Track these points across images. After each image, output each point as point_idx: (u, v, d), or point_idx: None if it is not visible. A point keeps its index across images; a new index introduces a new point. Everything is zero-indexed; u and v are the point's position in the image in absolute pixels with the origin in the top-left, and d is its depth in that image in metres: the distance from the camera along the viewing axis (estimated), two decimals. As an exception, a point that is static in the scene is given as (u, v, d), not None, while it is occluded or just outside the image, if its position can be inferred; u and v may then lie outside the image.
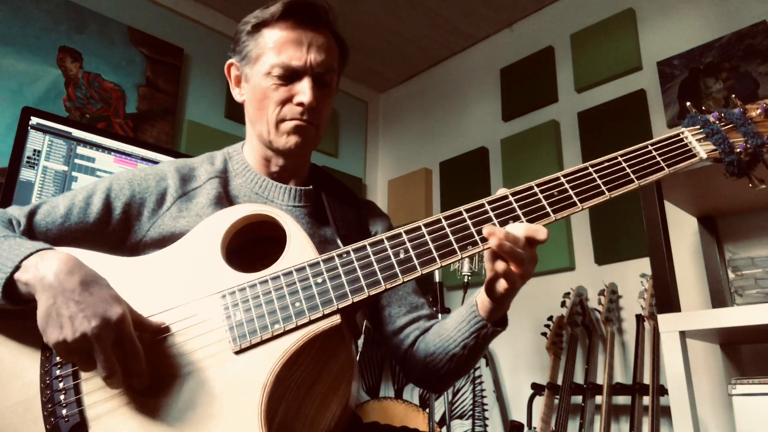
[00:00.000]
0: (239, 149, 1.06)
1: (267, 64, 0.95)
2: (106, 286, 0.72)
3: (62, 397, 0.72)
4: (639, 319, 2.13)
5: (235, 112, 2.99)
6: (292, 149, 0.97)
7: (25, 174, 1.72)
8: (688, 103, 0.90)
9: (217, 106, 2.95)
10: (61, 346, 0.67)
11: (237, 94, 1.04)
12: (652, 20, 2.53)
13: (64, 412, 0.71)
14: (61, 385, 0.73)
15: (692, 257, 2.13)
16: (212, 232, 0.83)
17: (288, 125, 0.95)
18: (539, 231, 0.76)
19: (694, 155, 0.82)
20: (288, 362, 0.72)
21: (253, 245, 0.87)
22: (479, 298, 0.89)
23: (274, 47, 0.95)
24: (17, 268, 0.71)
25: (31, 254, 0.72)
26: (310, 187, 1.04)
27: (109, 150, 1.91)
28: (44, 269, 0.70)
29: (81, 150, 1.85)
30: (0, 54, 2.22)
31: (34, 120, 1.77)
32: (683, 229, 2.13)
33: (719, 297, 1.91)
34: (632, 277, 2.29)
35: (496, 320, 0.89)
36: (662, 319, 1.58)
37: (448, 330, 0.94)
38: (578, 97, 2.72)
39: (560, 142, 2.74)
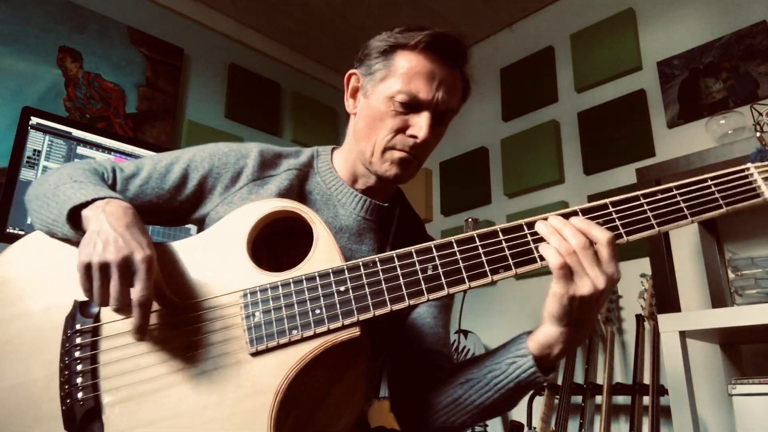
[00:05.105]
0: (328, 151, 1.04)
1: (393, 88, 0.92)
2: (147, 235, 0.76)
3: (79, 380, 0.73)
4: (639, 319, 2.13)
5: (235, 112, 2.99)
6: (389, 179, 0.95)
7: (26, 174, 1.72)
8: (758, 134, 0.85)
9: (217, 106, 2.95)
10: (86, 266, 0.72)
11: (349, 106, 1.01)
12: (652, 20, 2.53)
13: (80, 395, 0.72)
14: (79, 367, 0.74)
15: (692, 257, 2.13)
16: (240, 225, 0.82)
17: (394, 155, 0.93)
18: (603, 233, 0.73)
19: (758, 195, 0.75)
20: (303, 370, 0.72)
21: (284, 237, 0.86)
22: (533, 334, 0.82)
23: (405, 74, 0.92)
24: (88, 203, 0.78)
25: (103, 198, 0.79)
26: (386, 204, 1.01)
27: (109, 150, 1.91)
28: (105, 209, 0.77)
29: (81, 150, 1.85)
30: (0, 54, 2.22)
31: (34, 120, 1.76)
32: (683, 229, 2.13)
33: (719, 297, 1.91)
34: (632, 277, 2.29)
35: (545, 363, 0.81)
36: (662, 319, 1.58)
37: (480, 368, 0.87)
38: (578, 97, 2.72)
39: (560, 142, 2.74)
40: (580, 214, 0.75)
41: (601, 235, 0.71)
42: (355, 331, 0.73)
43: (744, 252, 1.91)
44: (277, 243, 0.85)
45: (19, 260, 0.82)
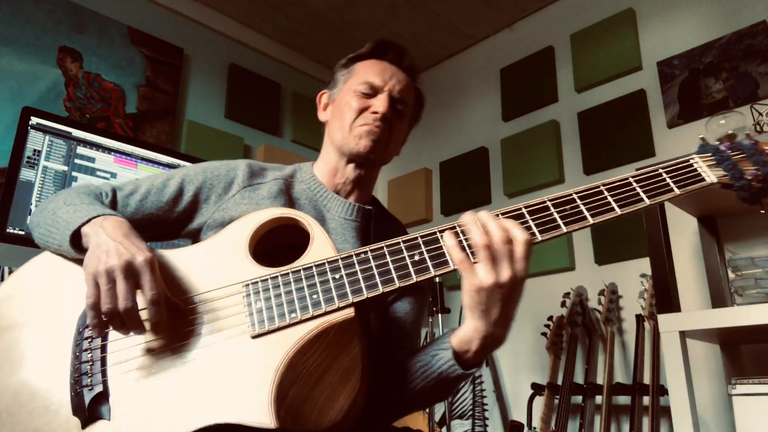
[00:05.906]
0: (309, 165, 1.16)
1: (354, 84, 1.09)
2: (144, 242, 0.84)
3: (89, 367, 0.79)
4: (639, 319, 2.13)
5: (235, 112, 2.99)
6: (361, 152, 1.05)
7: (25, 174, 1.72)
8: (700, 135, 0.94)
9: (217, 106, 2.95)
10: (92, 277, 0.77)
11: (322, 116, 1.17)
12: (652, 20, 2.53)
13: (89, 381, 0.78)
14: (89, 356, 0.80)
15: (692, 257, 2.13)
16: (240, 232, 0.90)
17: (361, 129, 1.06)
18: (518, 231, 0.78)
19: (704, 179, 0.85)
20: (301, 349, 0.76)
21: (285, 250, 0.92)
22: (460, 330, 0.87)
23: (361, 73, 1.10)
24: (86, 222, 0.85)
25: (99, 216, 0.86)
26: (369, 207, 1.11)
27: (109, 150, 1.91)
28: (102, 224, 0.84)
29: (81, 150, 1.85)
30: (0, 54, 2.22)
31: (34, 120, 1.76)
32: (683, 229, 2.13)
33: (719, 297, 1.91)
34: (632, 277, 2.29)
35: (468, 359, 0.86)
36: (662, 319, 1.58)
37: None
38: (578, 97, 2.72)
39: (560, 142, 2.74)
40: (523, 209, 0.82)
41: (520, 236, 0.77)
42: (350, 313, 0.78)
43: (744, 252, 1.91)
44: (277, 256, 0.90)
45: (34, 274, 0.90)
